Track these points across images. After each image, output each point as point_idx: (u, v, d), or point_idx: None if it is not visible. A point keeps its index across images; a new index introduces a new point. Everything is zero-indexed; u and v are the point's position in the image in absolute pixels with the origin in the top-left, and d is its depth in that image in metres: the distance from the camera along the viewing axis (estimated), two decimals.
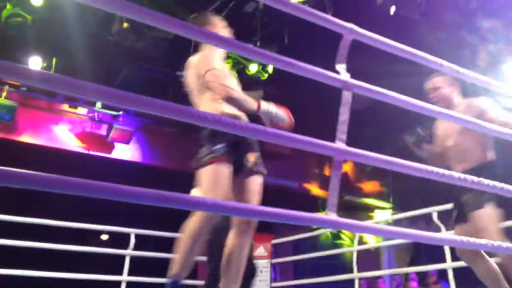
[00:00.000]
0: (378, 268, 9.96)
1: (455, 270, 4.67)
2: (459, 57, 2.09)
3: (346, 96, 1.94)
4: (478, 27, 7.48)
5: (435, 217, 5.00)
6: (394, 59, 2.28)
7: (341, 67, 1.94)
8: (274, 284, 6.31)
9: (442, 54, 2.22)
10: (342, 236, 11.07)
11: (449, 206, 4.79)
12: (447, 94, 3.56)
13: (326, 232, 6.98)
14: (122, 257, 5.46)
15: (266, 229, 8.26)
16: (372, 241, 9.67)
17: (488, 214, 3.08)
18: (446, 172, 2.06)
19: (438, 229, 4.82)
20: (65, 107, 8.10)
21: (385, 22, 6.47)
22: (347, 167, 11.20)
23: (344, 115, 1.95)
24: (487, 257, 3.32)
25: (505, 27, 7.52)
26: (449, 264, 4.69)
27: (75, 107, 8.14)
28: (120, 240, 5.92)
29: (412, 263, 10.38)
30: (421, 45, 2.17)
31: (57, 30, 6.88)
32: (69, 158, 8.05)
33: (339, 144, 1.85)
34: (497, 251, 3.41)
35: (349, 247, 8.51)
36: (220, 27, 3.24)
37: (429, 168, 2.01)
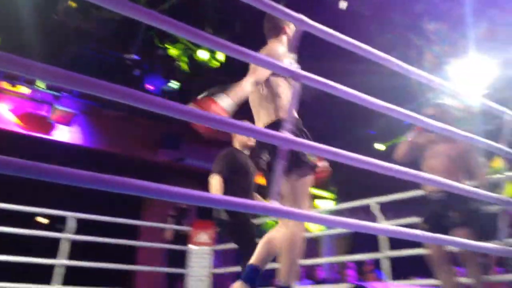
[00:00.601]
0: (317, 256, 10.17)
1: (390, 259, 4.85)
2: (406, 57, 2.16)
3: (295, 86, 1.96)
4: (423, 29, 7.72)
5: (374, 208, 5.16)
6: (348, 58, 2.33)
7: (291, 57, 1.95)
8: (215, 271, 6.33)
9: (390, 53, 2.27)
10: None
11: (388, 198, 4.96)
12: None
13: (269, 220, 7.02)
14: (58, 241, 5.34)
15: (209, 216, 8.26)
16: (314, 230, 9.85)
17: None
18: (387, 164, 2.12)
19: (376, 220, 4.98)
20: (5, 85, 7.78)
21: (337, 17, 6.57)
22: None
23: (293, 105, 1.97)
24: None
25: (449, 30, 7.80)
26: (384, 254, 4.85)
27: (15, 86, 7.84)
28: (59, 224, 5.79)
29: (350, 252, 10.68)
30: (371, 42, 2.21)
31: (2, 7, 6.60)
32: (7, 138, 7.75)
33: (285, 134, 1.87)
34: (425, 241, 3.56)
35: None
36: None
37: (371, 160, 2.07)
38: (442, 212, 3.69)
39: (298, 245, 2.79)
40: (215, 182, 4.22)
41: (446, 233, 3.49)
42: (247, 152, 4.48)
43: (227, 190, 4.19)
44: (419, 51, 8.02)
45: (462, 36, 7.69)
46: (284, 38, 3.09)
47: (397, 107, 2.26)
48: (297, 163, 2.73)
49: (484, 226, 3.52)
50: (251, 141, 4.36)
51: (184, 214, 7.16)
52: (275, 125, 2.69)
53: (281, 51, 2.92)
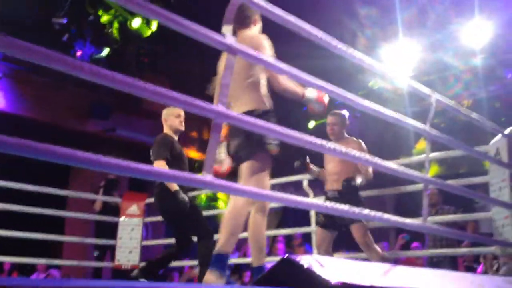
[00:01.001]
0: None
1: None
2: (340, 40, 2.20)
3: (230, 59, 1.94)
4: (356, 13, 7.90)
5: (305, 184, 5.28)
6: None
7: (227, 29, 1.93)
8: (145, 243, 6.29)
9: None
10: (218, 200, 11.25)
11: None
12: (338, 131, 4.50)
13: (201, 193, 7.05)
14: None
15: (140, 188, 8.17)
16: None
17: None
18: (320, 142, 2.16)
19: (306, 196, 5.09)
20: None
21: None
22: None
23: (226, 78, 1.96)
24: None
25: (380, 14, 8.01)
26: (313, 228, 4.98)
27: None
28: None
29: (279, 226, 10.90)
30: (308, 21, 2.22)
31: None
32: None
33: (220, 107, 1.86)
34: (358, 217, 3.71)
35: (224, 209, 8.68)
36: None
37: (304, 137, 2.10)
38: None
39: (240, 216, 2.92)
40: (163, 168, 4.17)
41: (340, 228, 4.32)
42: (176, 137, 4.45)
43: None
44: (352, 34, 8.21)
45: (391, 20, 7.93)
46: (256, 28, 3.26)
47: (331, 85, 2.30)
48: (261, 146, 2.93)
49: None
50: (182, 126, 4.42)
51: (114, 186, 7.03)
52: (254, 113, 2.89)
53: (266, 44, 3.05)
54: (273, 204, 5.25)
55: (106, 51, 8.57)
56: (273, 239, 8.08)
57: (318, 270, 1.60)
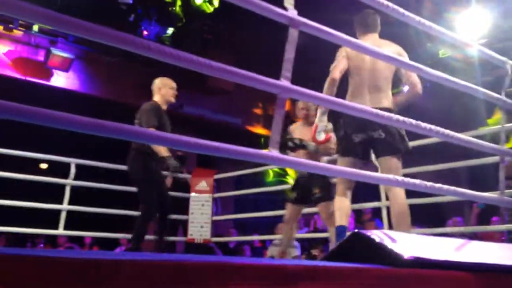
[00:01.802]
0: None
1: (389, 208, 4.88)
2: (405, 6, 2.09)
3: (293, 33, 1.91)
4: None
5: (373, 158, 5.16)
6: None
7: (289, 2, 1.90)
8: (215, 218, 6.42)
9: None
10: (287, 175, 11.27)
11: None
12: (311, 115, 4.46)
13: (267, 168, 7.08)
14: (62, 187, 5.39)
15: (209, 164, 8.31)
16: None
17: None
18: (374, 110, 2.10)
19: (375, 170, 4.99)
20: (0, 29, 7.64)
21: None
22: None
23: (289, 53, 1.93)
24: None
25: None
26: (383, 203, 4.89)
27: (11, 30, 7.70)
28: (59, 170, 5.83)
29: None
30: None
31: None
32: (4, 83, 7.68)
33: (284, 82, 1.85)
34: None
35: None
36: None
37: (374, 111, 2.05)
38: (307, 187, 4.38)
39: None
40: None
41: (307, 203, 4.54)
42: (165, 108, 4.47)
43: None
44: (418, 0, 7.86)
45: None
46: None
47: (397, 56, 2.22)
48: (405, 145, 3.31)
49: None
50: (174, 99, 4.52)
51: (182, 162, 7.17)
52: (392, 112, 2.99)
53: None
54: None
55: (171, 30, 8.69)
56: None
57: (389, 245, 1.57)
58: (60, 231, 5.32)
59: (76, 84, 8.50)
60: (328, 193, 4.33)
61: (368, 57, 3.26)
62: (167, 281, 1.09)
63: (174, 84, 4.52)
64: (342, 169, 2.07)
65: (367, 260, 1.52)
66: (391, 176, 2.22)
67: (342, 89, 3.40)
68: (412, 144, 4.67)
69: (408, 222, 3.23)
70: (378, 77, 3.35)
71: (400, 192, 3.25)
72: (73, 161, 5.44)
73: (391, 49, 3.25)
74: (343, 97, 3.26)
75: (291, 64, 1.91)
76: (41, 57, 7.92)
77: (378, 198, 5.03)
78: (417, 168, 4.79)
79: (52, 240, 8.59)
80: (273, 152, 1.77)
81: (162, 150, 4.15)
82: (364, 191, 5.15)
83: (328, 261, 1.70)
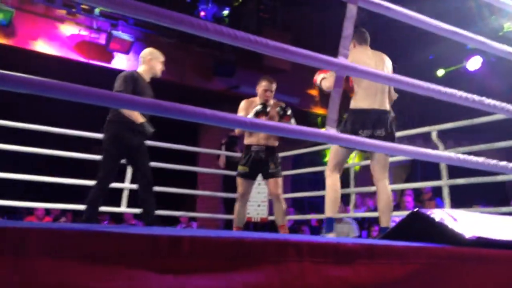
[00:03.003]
0: (372, 184, 10.07)
1: (450, 187, 4.77)
2: None
3: (351, 9, 1.88)
4: None
5: (434, 136, 5.03)
6: None
7: None
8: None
9: None
10: None
11: (448, 125, 4.83)
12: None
13: (324, 147, 7.03)
14: (124, 166, 5.56)
15: None
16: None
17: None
18: (449, 91, 2.04)
19: (435, 148, 4.86)
20: (63, 13, 7.90)
21: None
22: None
23: (348, 29, 1.90)
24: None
25: None
26: (444, 182, 4.77)
27: (74, 14, 7.94)
28: None
29: (408, 180, 10.60)
30: None
31: None
32: (67, 66, 7.95)
33: (341, 59, 1.83)
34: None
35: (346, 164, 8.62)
36: None
37: (434, 87, 2.00)
38: (263, 160, 4.71)
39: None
40: None
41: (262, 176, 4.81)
42: (148, 80, 4.34)
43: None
44: None
45: None
46: None
47: (460, 30, 2.14)
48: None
49: None
50: (160, 73, 4.41)
51: (235, 142, 7.20)
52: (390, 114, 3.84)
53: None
54: (400, 158, 5.11)
55: (227, 10, 8.71)
56: (401, 193, 7.90)
57: (450, 224, 1.54)
58: (123, 208, 5.51)
59: (136, 66, 8.68)
60: (280, 169, 4.79)
61: (373, 63, 3.72)
62: (227, 257, 1.12)
63: (163, 58, 4.42)
64: (406, 147, 2.03)
65: (426, 240, 1.50)
66: (452, 154, 2.16)
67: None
68: (475, 121, 4.57)
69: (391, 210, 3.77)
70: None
71: (388, 186, 3.76)
72: None
73: (385, 56, 3.87)
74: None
75: (349, 41, 1.88)
76: (102, 41, 8.13)
77: (438, 177, 4.91)
78: (480, 146, 4.64)
79: (116, 218, 8.91)
80: (331, 130, 1.77)
81: (138, 117, 4.02)
82: (424, 170, 5.05)
83: (387, 239, 1.69)
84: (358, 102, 3.72)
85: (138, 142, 4.18)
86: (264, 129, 1.73)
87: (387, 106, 3.77)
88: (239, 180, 4.84)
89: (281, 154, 6.53)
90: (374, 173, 3.81)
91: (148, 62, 4.36)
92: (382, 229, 3.69)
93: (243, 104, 4.85)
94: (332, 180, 3.79)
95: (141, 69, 4.36)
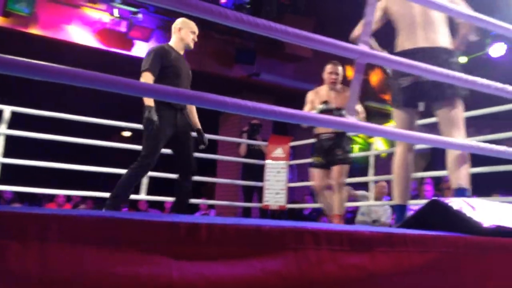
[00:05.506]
0: (390, 172, 9.99)
1: (470, 176, 4.71)
2: None
3: None
4: None
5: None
6: None
7: None
8: (290, 184, 6.47)
9: None
10: (355, 143, 11.09)
11: (470, 113, 4.77)
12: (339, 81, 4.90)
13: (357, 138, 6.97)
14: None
15: (285, 131, 8.33)
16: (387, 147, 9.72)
17: None
18: (471, 78, 2.02)
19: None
20: (84, 1, 7.95)
21: None
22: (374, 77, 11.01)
23: (369, 16, 1.89)
24: None
25: None
26: None
27: (95, 2, 7.99)
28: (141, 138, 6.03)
29: (427, 169, 10.51)
30: None
31: None
32: (88, 54, 8.01)
33: (362, 47, 1.82)
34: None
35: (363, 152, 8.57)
36: None
37: (456, 74, 1.98)
38: (332, 148, 4.65)
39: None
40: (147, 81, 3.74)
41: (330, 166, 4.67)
42: (182, 52, 4.06)
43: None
44: None
45: None
46: None
47: (483, 16, 2.11)
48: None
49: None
50: (192, 44, 4.04)
51: (257, 130, 7.19)
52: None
53: None
54: (420, 146, 5.07)
55: None
56: (420, 181, 7.84)
57: (469, 213, 1.53)
58: (142, 196, 5.56)
59: None
60: (348, 156, 4.67)
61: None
62: (245, 243, 1.13)
63: (196, 29, 4.05)
64: (426, 136, 2.01)
65: (444, 228, 1.50)
66: (473, 142, 2.14)
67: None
68: (497, 109, 4.50)
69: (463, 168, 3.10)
70: (431, 15, 3.00)
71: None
72: None
73: None
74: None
75: (371, 28, 1.87)
76: (123, 28, 8.17)
77: None
78: (501, 134, 4.58)
79: (133, 205, 9.00)
80: (351, 118, 1.76)
81: (147, 99, 3.58)
82: (444, 159, 5.00)
83: (405, 228, 1.69)
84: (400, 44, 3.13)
85: (181, 129, 3.93)
86: (278, 117, 1.73)
87: (441, 43, 2.97)
88: (314, 172, 4.78)
89: (298, 143, 6.55)
90: (441, 134, 3.04)
91: (178, 32, 4.04)
92: (455, 191, 3.12)
93: (308, 96, 4.82)
94: (396, 156, 3.24)
95: (172, 40, 4.08)
